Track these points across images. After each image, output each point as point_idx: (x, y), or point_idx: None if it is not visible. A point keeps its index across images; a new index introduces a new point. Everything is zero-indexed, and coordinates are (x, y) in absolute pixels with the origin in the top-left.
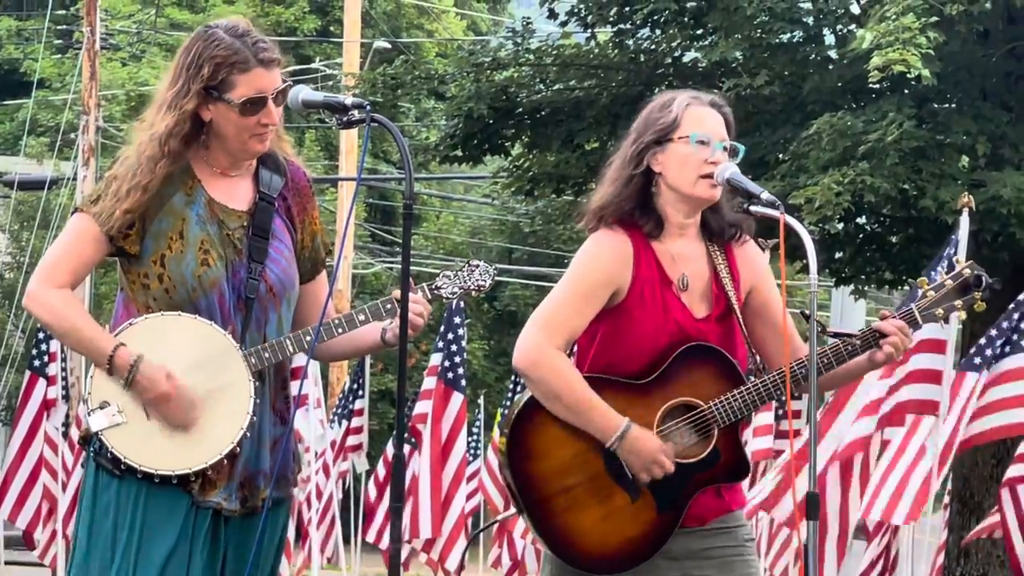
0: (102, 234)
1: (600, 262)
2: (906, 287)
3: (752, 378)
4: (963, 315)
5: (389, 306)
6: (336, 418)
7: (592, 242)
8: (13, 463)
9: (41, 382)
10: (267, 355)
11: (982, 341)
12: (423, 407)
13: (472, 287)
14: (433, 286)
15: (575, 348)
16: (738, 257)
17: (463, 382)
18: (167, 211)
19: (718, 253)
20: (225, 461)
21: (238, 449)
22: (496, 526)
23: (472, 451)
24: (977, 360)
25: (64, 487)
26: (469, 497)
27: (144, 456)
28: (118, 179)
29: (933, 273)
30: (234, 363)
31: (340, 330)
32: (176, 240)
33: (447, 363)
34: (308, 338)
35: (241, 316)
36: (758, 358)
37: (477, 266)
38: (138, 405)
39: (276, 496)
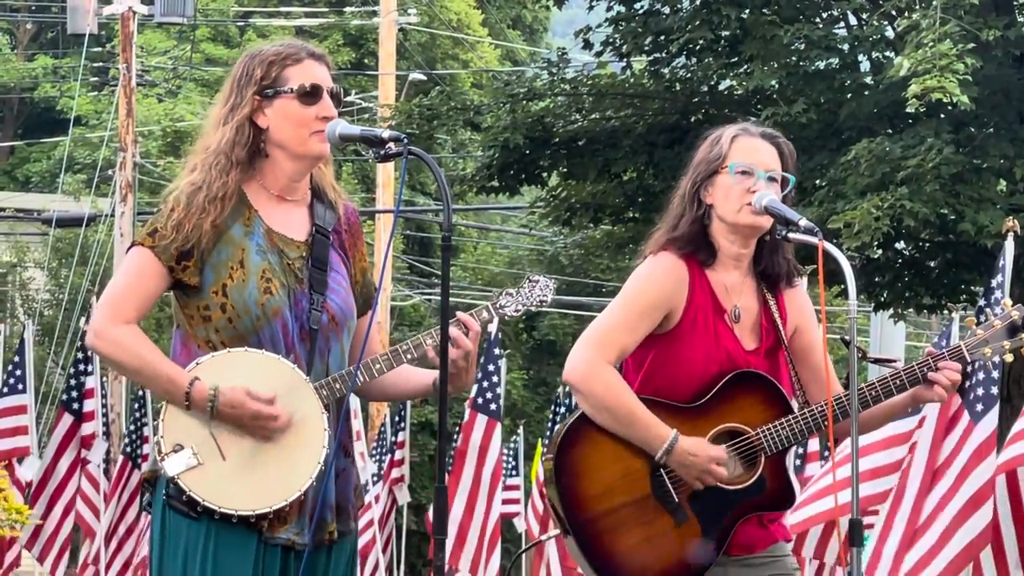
0: (163, 266)
1: (657, 281)
2: (945, 311)
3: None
4: (1010, 357)
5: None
6: (377, 451)
7: (650, 262)
8: (33, 495)
9: (66, 417)
10: (338, 386)
11: None
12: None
13: (534, 302)
14: (497, 305)
15: (622, 374)
16: (787, 297)
17: (500, 412)
18: (225, 241)
19: (767, 290)
20: (303, 496)
21: (315, 483)
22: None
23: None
24: None
25: (109, 524)
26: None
27: (223, 497)
28: (181, 205)
29: (983, 302)
30: (306, 396)
31: (409, 355)
32: (237, 269)
33: (488, 395)
34: (378, 366)
35: (305, 346)
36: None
37: (537, 281)
38: (213, 445)
39: (341, 529)
